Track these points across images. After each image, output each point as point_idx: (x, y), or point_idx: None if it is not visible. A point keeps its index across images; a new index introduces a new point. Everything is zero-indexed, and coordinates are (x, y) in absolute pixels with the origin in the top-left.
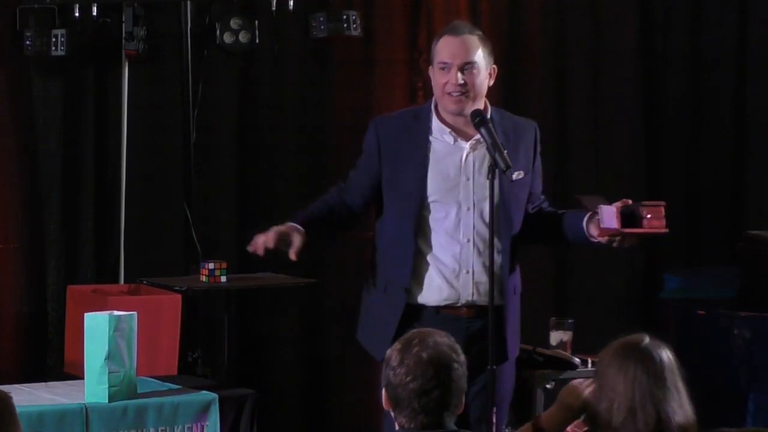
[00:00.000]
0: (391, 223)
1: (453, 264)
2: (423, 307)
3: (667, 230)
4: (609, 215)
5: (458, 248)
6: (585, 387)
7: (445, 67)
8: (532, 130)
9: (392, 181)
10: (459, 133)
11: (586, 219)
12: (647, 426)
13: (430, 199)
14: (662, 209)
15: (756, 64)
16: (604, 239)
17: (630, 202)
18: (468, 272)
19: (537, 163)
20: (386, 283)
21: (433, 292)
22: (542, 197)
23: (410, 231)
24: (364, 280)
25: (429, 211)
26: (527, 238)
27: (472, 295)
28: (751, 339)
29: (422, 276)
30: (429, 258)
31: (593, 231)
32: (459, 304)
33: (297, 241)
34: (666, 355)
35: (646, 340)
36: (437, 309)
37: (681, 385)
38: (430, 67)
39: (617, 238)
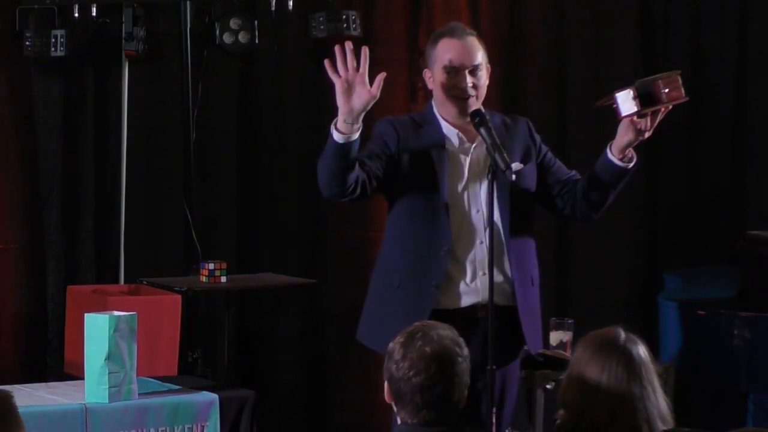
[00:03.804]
0: (410, 226)
1: (470, 267)
2: (444, 310)
3: (687, 98)
4: (625, 101)
5: (473, 250)
6: None
7: (452, 70)
8: (524, 122)
9: (410, 182)
10: (465, 134)
11: (609, 145)
12: (626, 425)
13: (448, 202)
14: (678, 78)
15: (756, 62)
16: (629, 135)
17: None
18: (484, 274)
19: (543, 149)
20: (407, 282)
21: (454, 295)
22: (573, 172)
23: (432, 234)
24: (381, 278)
25: (446, 214)
26: (584, 212)
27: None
28: (751, 339)
29: (442, 278)
30: (449, 260)
31: (622, 134)
32: (477, 306)
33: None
34: (642, 350)
35: (623, 335)
36: (455, 310)
37: (656, 381)
38: (426, 69)
39: (642, 123)
